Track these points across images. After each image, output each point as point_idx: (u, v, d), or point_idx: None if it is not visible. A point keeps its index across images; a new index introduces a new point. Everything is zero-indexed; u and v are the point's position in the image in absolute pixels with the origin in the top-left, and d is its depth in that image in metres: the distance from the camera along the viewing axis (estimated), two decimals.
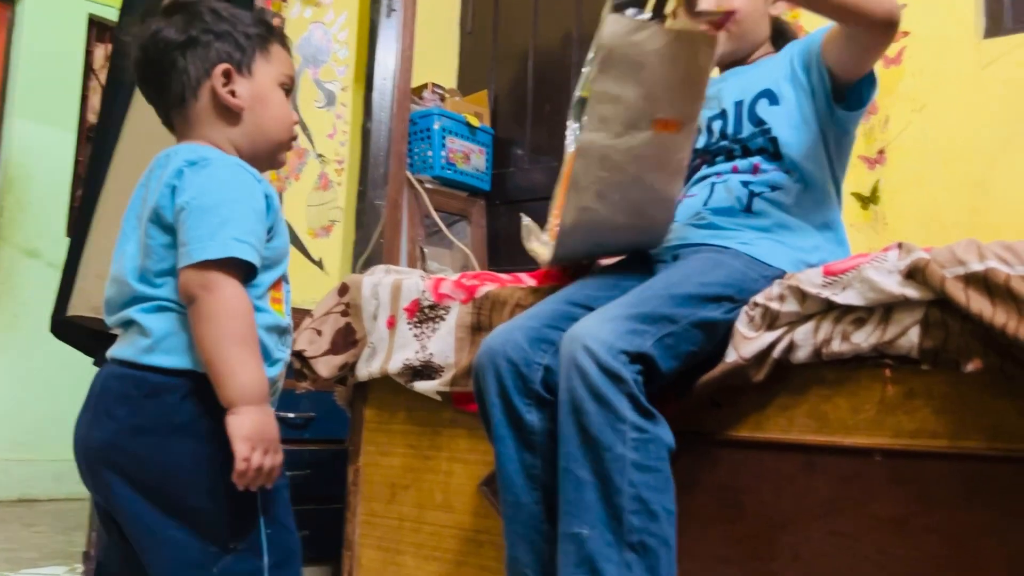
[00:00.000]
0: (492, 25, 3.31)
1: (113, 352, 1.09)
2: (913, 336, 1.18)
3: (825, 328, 1.25)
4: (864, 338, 1.21)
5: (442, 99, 3.02)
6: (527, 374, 1.30)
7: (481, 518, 1.62)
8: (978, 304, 1.10)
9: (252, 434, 1.01)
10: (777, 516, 1.29)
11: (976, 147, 2.17)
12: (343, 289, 1.82)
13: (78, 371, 2.65)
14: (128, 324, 1.08)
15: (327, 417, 2.24)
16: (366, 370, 1.76)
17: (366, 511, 1.80)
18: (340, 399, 1.91)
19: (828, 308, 1.25)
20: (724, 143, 1.54)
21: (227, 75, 1.13)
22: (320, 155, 3.23)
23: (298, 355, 1.77)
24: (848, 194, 2.12)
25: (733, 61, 1.61)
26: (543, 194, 1.54)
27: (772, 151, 1.48)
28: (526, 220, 1.61)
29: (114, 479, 1.04)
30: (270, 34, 1.18)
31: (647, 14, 1.30)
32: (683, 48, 1.32)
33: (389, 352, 1.71)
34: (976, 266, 1.12)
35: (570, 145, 1.43)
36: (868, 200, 2.29)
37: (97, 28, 4.40)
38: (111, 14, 4.18)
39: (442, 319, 1.66)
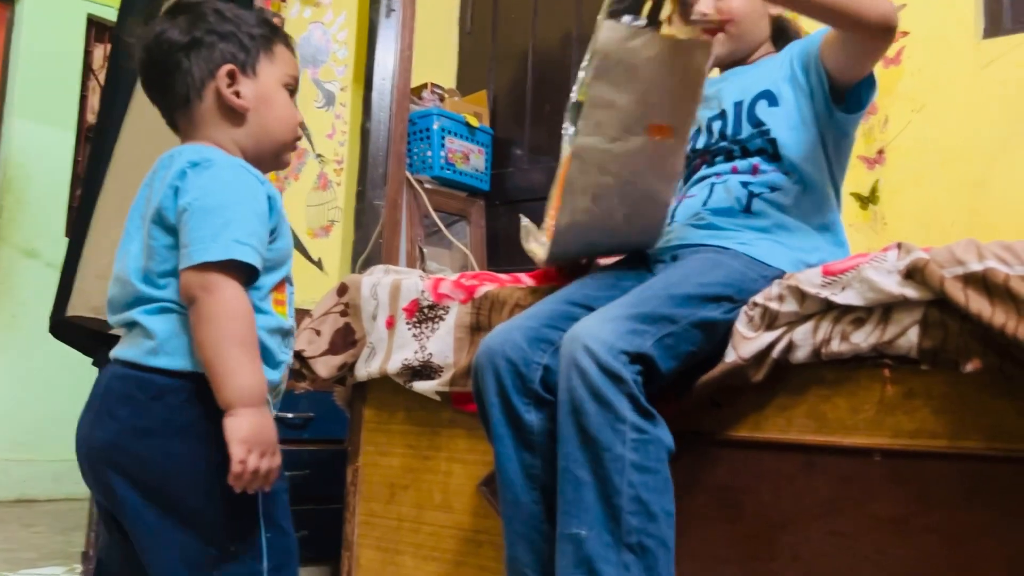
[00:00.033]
0: (491, 25, 3.31)
1: (117, 353, 1.09)
2: (912, 336, 1.18)
3: (824, 328, 1.25)
4: (863, 338, 1.21)
5: (441, 99, 3.01)
6: (526, 374, 1.30)
7: (480, 518, 1.62)
8: (977, 304, 1.10)
9: (249, 436, 1.00)
10: (777, 516, 1.29)
11: (975, 147, 2.16)
12: (342, 289, 1.82)
13: (77, 371, 2.66)
14: (132, 325, 1.07)
15: (326, 417, 2.24)
16: (365, 370, 1.76)
17: (365, 511, 1.80)
18: (339, 399, 1.91)
19: (827, 308, 1.25)
20: (723, 144, 1.54)
21: (231, 76, 1.13)
22: (319, 155, 3.23)
23: (297, 355, 1.77)
24: (847, 194, 2.12)
25: (733, 61, 1.61)
26: (542, 194, 1.54)
27: (771, 152, 1.48)
28: (525, 221, 1.61)
29: (116, 479, 1.04)
30: (274, 35, 1.18)
31: (642, 21, 1.30)
32: (678, 55, 1.33)
33: (388, 352, 1.71)
34: (975, 266, 1.12)
35: (565, 148, 1.43)
36: (867, 200, 2.29)
37: (96, 28, 4.40)
38: (110, 14, 4.17)
39: (441, 319, 1.66)
